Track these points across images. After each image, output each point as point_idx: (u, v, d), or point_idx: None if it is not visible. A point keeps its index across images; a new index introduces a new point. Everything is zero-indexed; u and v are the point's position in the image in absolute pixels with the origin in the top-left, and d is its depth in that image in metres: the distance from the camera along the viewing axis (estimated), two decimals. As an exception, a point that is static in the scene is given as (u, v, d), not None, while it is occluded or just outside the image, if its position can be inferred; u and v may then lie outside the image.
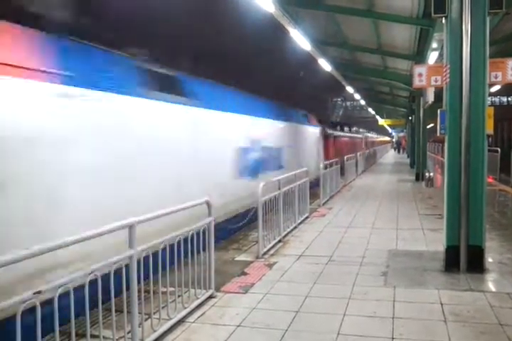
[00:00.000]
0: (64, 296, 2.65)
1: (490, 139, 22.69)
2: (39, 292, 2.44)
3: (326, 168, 11.21)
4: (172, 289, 4.04)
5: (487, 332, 3.67)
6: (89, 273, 2.87)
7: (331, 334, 3.69)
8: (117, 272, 3.17)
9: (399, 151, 46.97)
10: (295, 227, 7.94)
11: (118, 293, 3.21)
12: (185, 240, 4.07)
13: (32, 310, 2.43)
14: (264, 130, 10.84)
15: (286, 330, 3.79)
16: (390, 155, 44.51)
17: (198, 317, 4.11)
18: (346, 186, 14.83)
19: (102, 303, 3.06)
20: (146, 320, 3.62)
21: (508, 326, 3.77)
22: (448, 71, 5.26)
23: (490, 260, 5.63)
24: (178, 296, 4.06)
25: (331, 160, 12.32)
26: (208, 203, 4.57)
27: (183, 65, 10.10)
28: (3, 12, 4.22)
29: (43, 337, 2.50)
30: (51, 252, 2.61)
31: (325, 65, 14.57)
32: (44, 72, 4.24)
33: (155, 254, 3.63)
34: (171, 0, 25.57)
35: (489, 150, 5.72)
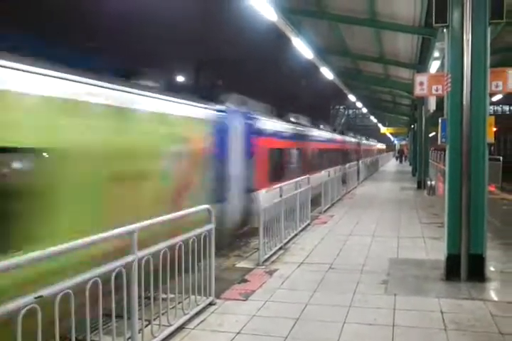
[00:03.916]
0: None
1: (492, 148, 22.69)
2: (40, 296, 2.45)
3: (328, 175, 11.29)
4: (172, 296, 4.05)
5: (487, 341, 3.66)
6: (90, 279, 2.88)
7: (331, 341, 3.68)
8: (117, 278, 3.18)
9: (401, 161, 45.51)
10: (296, 234, 7.94)
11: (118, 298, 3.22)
12: (186, 247, 4.08)
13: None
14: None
15: (286, 338, 3.78)
16: (392, 164, 44.37)
17: (198, 323, 4.11)
18: (348, 194, 14.83)
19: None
20: (146, 326, 3.62)
21: (509, 335, 3.76)
22: (449, 80, 5.29)
23: (492, 269, 5.61)
24: (179, 303, 4.06)
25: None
26: (208, 210, 4.58)
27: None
28: None
29: None
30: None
31: (327, 74, 14.64)
32: None
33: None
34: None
35: (491, 159, 5.71)
